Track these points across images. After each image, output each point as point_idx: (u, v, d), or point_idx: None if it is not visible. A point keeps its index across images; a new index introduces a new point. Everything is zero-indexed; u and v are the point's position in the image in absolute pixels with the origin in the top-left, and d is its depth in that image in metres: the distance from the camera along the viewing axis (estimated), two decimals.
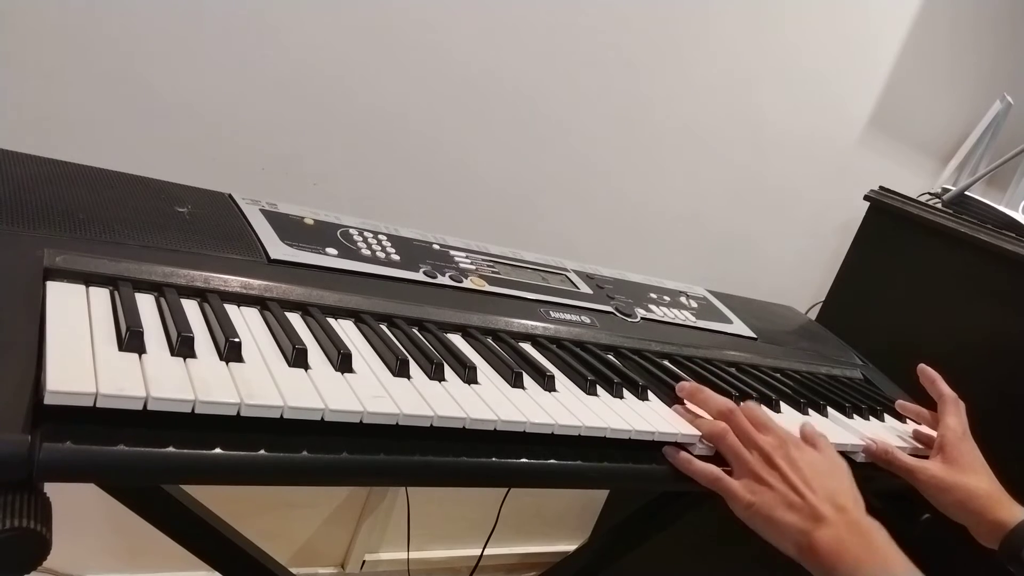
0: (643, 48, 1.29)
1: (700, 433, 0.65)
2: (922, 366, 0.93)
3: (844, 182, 1.59)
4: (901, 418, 0.94)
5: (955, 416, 0.85)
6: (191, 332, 0.49)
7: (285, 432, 0.46)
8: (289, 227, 0.72)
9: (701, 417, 0.68)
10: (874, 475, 0.80)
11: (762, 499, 0.62)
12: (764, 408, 0.70)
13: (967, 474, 0.78)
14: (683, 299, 1.02)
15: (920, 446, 0.86)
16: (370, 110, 1.11)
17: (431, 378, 0.58)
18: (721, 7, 1.34)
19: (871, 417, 0.90)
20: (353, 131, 1.12)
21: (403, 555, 1.48)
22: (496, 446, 0.54)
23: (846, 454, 0.77)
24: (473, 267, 0.82)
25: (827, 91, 1.54)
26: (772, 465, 0.64)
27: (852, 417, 0.88)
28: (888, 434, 0.86)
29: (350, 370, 0.54)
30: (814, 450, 0.67)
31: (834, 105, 1.57)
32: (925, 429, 0.91)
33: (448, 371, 0.59)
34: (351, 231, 0.77)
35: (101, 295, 0.53)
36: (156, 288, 0.57)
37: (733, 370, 0.88)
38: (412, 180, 1.19)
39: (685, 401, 0.71)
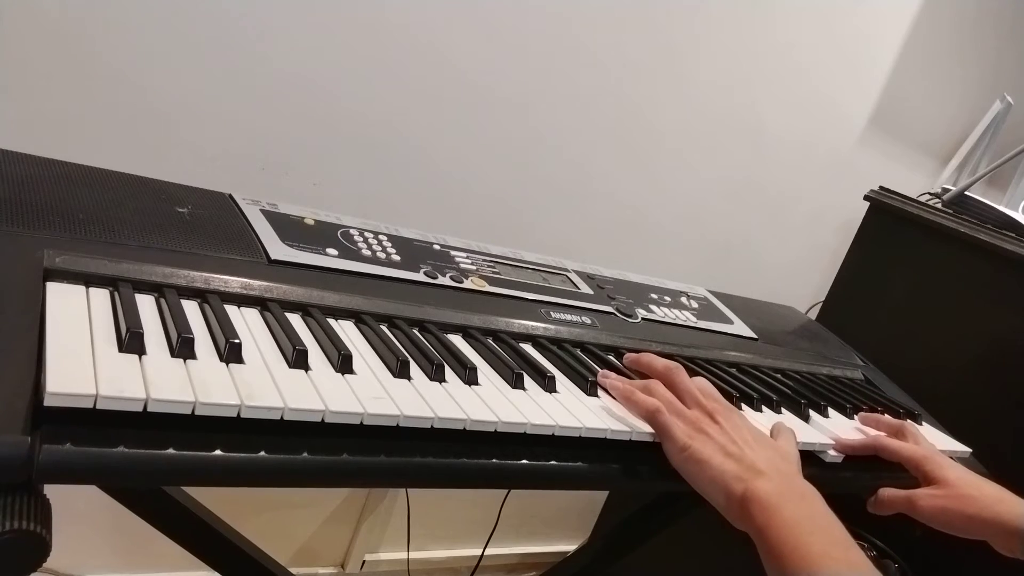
0: (644, 49, 1.29)
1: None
2: (863, 415, 0.87)
3: (844, 182, 1.59)
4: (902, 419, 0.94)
5: (923, 439, 0.82)
6: (191, 333, 0.49)
7: (285, 433, 0.46)
8: (289, 227, 0.72)
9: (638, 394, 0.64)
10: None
11: (700, 444, 0.59)
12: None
13: (968, 489, 0.73)
14: (684, 299, 1.02)
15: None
16: (371, 111, 1.11)
17: (431, 379, 0.57)
18: (720, 8, 1.34)
19: None
20: (354, 131, 1.11)
21: (403, 555, 1.48)
22: (497, 447, 0.54)
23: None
24: (474, 267, 0.82)
25: (827, 91, 1.54)
26: (713, 421, 0.62)
27: (853, 418, 0.87)
28: None
29: (350, 371, 0.54)
30: (762, 432, 0.65)
31: (834, 105, 1.57)
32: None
33: (449, 372, 0.59)
34: (351, 231, 0.77)
35: (101, 296, 0.53)
36: (156, 289, 0.57)
37: (734, 371, 0.88)
38: (413, 180, 1.19)
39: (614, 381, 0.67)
